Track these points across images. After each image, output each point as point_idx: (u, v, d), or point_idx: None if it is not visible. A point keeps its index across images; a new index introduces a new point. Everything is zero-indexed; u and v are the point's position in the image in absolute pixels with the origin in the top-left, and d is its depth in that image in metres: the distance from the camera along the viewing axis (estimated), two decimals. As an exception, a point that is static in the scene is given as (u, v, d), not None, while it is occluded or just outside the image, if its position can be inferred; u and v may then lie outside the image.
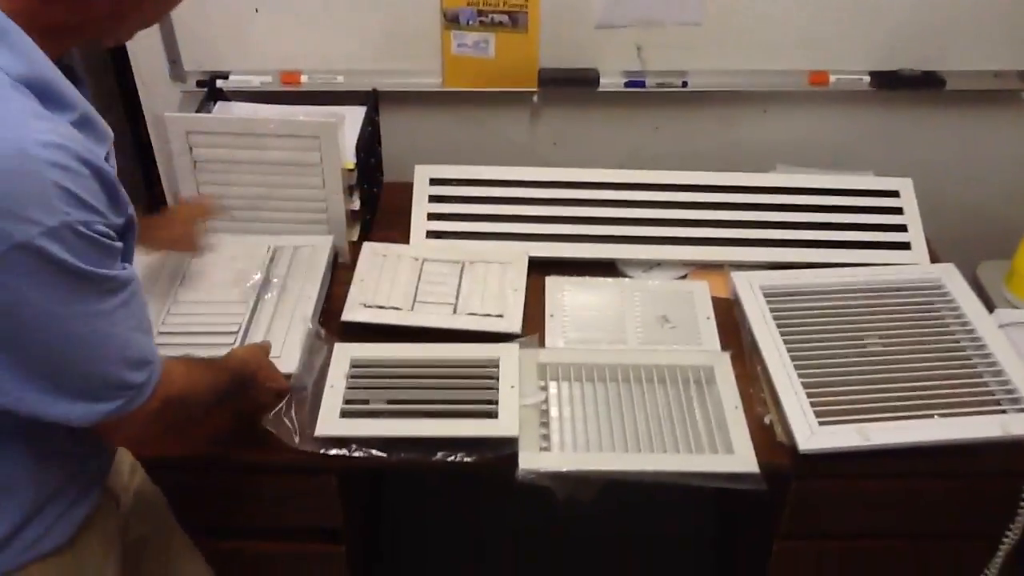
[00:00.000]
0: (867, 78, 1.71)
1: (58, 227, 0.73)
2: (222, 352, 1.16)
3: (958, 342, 1.37)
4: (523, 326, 1.39)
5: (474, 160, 1.67)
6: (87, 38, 0.84)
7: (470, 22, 1.62)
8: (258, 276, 1.41)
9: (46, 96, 0.76)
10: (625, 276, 1.53)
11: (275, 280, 1.42)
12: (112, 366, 0.83)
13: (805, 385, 1.28)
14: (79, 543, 0.96)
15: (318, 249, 1.48)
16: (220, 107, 1.63)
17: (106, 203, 0.78)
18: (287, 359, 1.29)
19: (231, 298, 1.38)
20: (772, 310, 1.40)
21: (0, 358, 0.77)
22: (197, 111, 1.59)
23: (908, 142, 1.82)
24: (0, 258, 0.71)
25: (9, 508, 0.88)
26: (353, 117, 1.56)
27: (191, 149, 1.44)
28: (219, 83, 1.68)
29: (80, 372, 0.81)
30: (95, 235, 0.76)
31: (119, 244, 0.81)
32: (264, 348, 1.24)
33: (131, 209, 0.84)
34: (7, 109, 0.72)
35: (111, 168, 0.80)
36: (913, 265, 1.53)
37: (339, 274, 1.49)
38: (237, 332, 1.32)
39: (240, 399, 1.16)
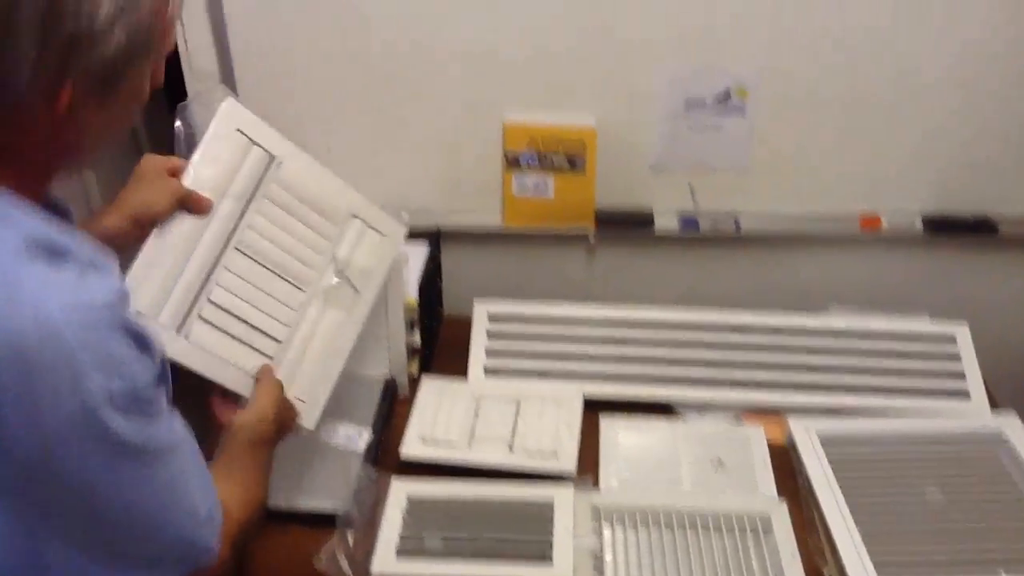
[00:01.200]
0: (919, 222, 1.73)
1: (100, 397, 0.70)
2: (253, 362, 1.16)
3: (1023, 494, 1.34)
4: (577, 466, 1.40)
5: (532, 295, 1.71)
6: (50, 169, 0.80)
7: (530, 164, 1.69)
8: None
9: (48, 252, 0.71)
10: (679, 417, 1.54)
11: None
12: (180, 530, 0.82)
13: (864, 536, 1.26)
14: None
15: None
16: (290, 242, 1.70)
17: (136, 356, 0.74)
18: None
19: (281, 296, 1.23)
20: (829, 458, 1.39)
21: (56, 542, 0.73)
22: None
23: (963, 285, 1.81)
24: (53, 433, 0.68)
25: None
26: (416, 254, 1.62)
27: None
28: (290, 219, 1.75)
29: (147, 541, 0.79)
30: (136, 398, 0.74)
31: (157, 397, 0.78)
32: (280, 386, 1.17)
33: (161, 351, 0.80)
34: (19, 279, 0.68)
35: (132, 315, 0.75)
36: (973, 414, 1.51)
37: (399, 408, 1.52)
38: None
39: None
